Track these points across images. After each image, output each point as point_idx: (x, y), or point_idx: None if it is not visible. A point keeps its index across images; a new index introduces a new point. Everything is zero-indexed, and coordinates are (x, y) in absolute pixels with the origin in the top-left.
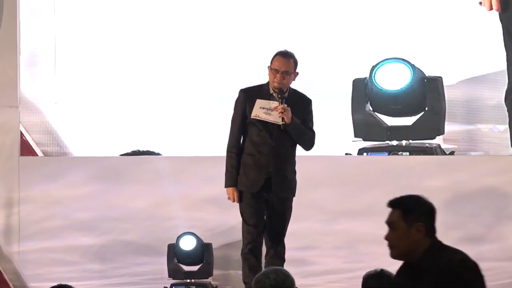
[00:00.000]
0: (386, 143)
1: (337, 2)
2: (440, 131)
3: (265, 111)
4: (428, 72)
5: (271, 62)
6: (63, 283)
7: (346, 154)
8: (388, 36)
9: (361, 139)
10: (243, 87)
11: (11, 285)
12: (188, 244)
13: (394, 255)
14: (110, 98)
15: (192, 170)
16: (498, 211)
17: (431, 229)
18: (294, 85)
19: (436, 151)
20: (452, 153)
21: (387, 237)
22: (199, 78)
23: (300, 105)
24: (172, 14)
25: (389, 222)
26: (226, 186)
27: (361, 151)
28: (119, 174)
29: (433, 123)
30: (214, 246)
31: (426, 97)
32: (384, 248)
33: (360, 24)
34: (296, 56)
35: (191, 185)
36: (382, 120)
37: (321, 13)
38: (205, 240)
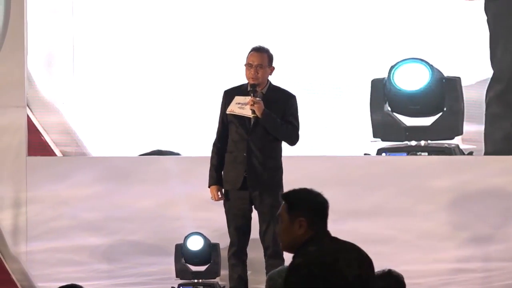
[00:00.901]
0: (404, 143)
1: (355, 2)
2: (459, 132)
3: (240, 106)
4: (447, 73)
5: (246, 59)
6: (72, 283)
7: (365, 154)
8: (406, 36)
9: (379, 139)
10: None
11: (18, 285)
12: (195, 244)
13: (282, 248)
14: (127, 98)
15: (200, 170)
16: (505, 211)
17: (316, 224)
18: (309, 82)
19: (454, 151)
20: (470, 153)
21: (276, 230)
22: (210, 78)
23: (280, 100)
24: (188, 14)
25: (278, 215)
26: (208, 186)
27: (379, 151)
28: (127, 174)
29: (451, 124)
30: (221, 246)
31: (445, 97)
32: (391, 248)
33: (379, 24)
34: (271, 51)
35: (199, 185)
36: (400, 121)
37: (339, 13)
38: (213, 240)
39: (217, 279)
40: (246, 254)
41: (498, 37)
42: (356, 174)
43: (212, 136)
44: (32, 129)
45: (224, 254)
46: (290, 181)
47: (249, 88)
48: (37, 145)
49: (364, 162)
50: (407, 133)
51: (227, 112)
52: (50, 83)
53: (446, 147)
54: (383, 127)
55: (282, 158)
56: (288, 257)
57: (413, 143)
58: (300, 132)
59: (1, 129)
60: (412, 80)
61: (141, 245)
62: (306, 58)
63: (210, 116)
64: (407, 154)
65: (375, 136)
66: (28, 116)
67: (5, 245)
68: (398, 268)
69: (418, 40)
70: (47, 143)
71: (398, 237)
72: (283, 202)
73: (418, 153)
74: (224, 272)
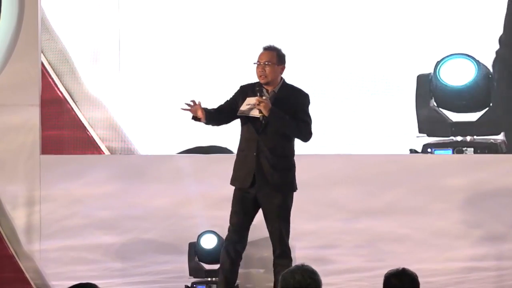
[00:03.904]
0: (450, 139)
1: None
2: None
3: (249, 106)
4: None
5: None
6: (86, 281)
7: (411, 150)
8: (452, 32)
9: (425, 135)
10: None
11: (32, 283)
12: (209, 242)
13: None
14: (172, 93)
15: (213, 168)
16: None
17: None
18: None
19: (500, 147)
20: None
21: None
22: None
23: (291, 98)
24: (234, 10)
25: None
26: None
27: (425, 147)
28: (140, 172)
29: (497, 119)
30: None
31: (491, 92)
32: (405, 247)
33: (425, 19)
34: (284, 51)
35: (212, 184)
36: (446, 116)
37: (384, 8)
38: None
39: None
40: (238, 252)
41: None
42: (370, 173)
43: (226, 134)
44: (78, 125)
45: None
46: (304, 180)
47: (257, 88)
48: (84, 140)
49: (378, 160)
50: (453, 129)
51: (238, 114)
52: (96, 79)
53: (492, 142)
54: (428, 123)
55: (298, 156)
56: (309, 255)
57: (459, 138)
58: (339, 130)
59: (15, 127)
60: (458, 76)
61: (154, 244)
62: (351, 55)
63: None
64: (453, 150)
65: (420, 131)
66: (74, 111)
67: (19, 243)
68: (412, 267)
69: (464, 36)
70: (93, 138)
71: (412, 236)
72: None
73: (464, 149)
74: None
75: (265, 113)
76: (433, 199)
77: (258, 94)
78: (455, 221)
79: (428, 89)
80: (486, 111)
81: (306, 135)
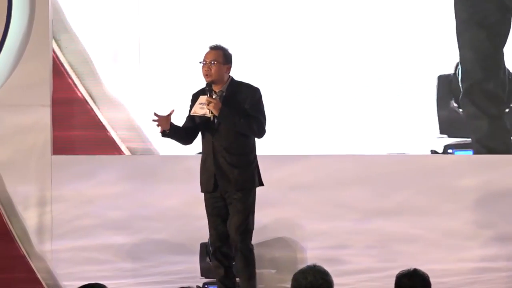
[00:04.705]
0: (471, 140)
1: None
2: None
3: (201, 106)
4: None
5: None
6: (95, 282)
7: (432, 151)
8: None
9: (446, 135)
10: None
11: (44, 283)
12: None
13: None
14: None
15: None
16: None
17: None
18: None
19: None
20: None
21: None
22: (282, 77)
23: (240, 94)
24: (252, 11)
25: None
26: None
27: (446, 148)
28: (152, 173)
29: None
30: None
31: (511, 93)
32: (416, 247)
33: (445, 20)
34: (230, 50)
35: None
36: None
37: (403, 8)
38: None
39: None
40: (226, 254)
41: None
42: (381, 173)
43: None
44: (99, 125)
45: None
46: (316, 181)
47: (206, 88)
48: (104, 141)
49: (389, 161)
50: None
51: (191, 114)
52: (116, 80)
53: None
54: (449, 124)
55: (311, 157)
56: (321, 256)
57: None
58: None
59: (26, 128)
60: None
61: (166, 244)
62: (361, 54)
63: (285, 113)
64: (474, 151)
65: (441, 132)
66: (94, 112)
67: (30, 243)
68: (423, 267)
69: None
70: (113, 139)
71: (424, 236)
72: None
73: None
74: None
75: (215, 112)
76: (444, 199)
77: (208, 94)
78: (466, 222)
79: (448, 89)
80: (508, 110)
81: (258, 132)
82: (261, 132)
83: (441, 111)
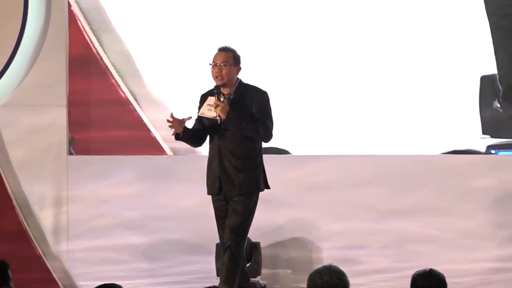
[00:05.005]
0: None
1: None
2: None
3: (209, 107)
4: None
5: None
6: (111, 282)
7: (474, 151)
8: None
9: (489, 136)
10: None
11: (60, 283)
12: None
13: None
14: None
15: None
16: None
17: None
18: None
19: None
20: None
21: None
22: (313, 77)
23: (248, 98)
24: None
25: None
26: None
27: (489, 148)
28: (167, 173)
29: None
30: (262, 245)
31: None
32: (432, 248)
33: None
34: (238, 52)
35: None
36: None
37: (448, 10)
38: (253, 239)
39: (258, 278)
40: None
41: None
42: (397, 173)
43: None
44: (141, 126)
45: (264, 253)
46: (332, 181)
47: (214, 90)
48: (147, 141)
49: (405, 161)
50: None
51: (199, 115)
52: (159, 80)
53: None
54: (492, 124)
55: (327, 158)
56: (337, 256)
57: None
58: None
59: (42, 128)
60: None
61: (182, 244)
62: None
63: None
64: None
65: (484, 133)
66: (137, 112)
67: (46, 244)
68: (439, 267)
69: None
70: (157, 140)
71: (439, 237)
72: None
73: None
74: (265, 271)
75: (223, 116)
76: (460, 199)
77: (216, 96)
78: (482, 222)
79: (491, 90)
80: None
81: (265, 136)
82: (267, 137)
83: (484, 112)
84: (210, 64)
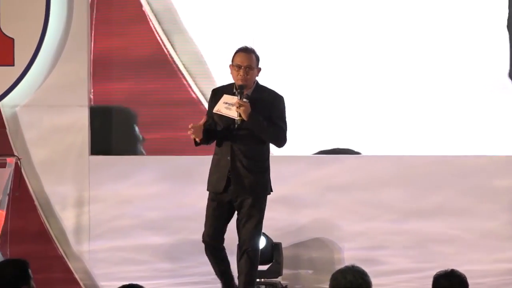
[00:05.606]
0: None
1: None
2: None
3: (227, 106)
4: None
5: (232, 60)
6: (133, 282)
7: None
8: None
9: None
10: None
11: (81, 284)
12: None
13: None
14: (306, 95)
15: None
16: None
17: None
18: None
19: None
20: None
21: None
22: (354, 77)
23: (266, 101)
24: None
25: None
26: None
27: None
28: (189, 173)
29: None
30: (283, 245)
31: None
32: (454, 248)
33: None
34: (258, 53)
35: None
36: None
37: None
38: (275, 240)
39: (279, 278)
40: (222, 253)
41: None
42: (419, 174)
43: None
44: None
45: (286, 253)
46: (353, 181)
47: (236, 90)
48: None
49: (426, 162)
50: None
51: (214, 111)
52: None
53: None
54: None
55: (348, 158)
56: (358, 256)
57: None
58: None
59: (64, 128)
60: None
61: (203, 245)
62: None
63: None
64: None
65: None
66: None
67: (68, 244)
68: (460, 268)
69: None
70: None
71: (461, 237)
72: None
73: None
74: (286, 271)
75: (245, 117)
76: (482, 200)
77: (239, 97)
78: (504, 222)
79: None
80: None
81: (280, 141)
82: (282, 142)
83: None
84: (235, 66)
